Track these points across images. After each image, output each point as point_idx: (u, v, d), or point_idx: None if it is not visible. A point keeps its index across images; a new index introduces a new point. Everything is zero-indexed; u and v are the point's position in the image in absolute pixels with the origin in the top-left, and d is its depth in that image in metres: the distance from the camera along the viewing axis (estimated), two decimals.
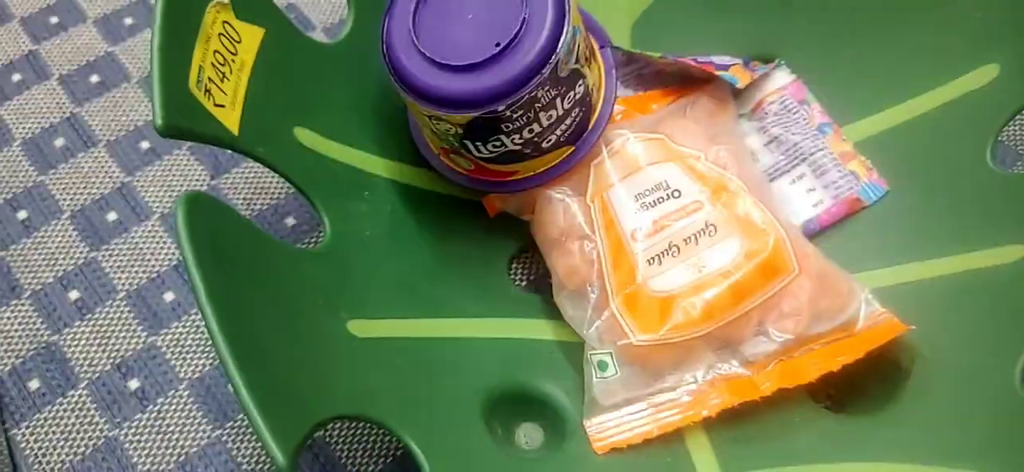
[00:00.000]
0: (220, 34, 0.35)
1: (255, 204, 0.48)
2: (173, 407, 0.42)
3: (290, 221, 0.47)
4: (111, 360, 0.43)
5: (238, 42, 0.37)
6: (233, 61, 0.36)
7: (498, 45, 0.37)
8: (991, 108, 0.40)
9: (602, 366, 0.39)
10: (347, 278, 0.39)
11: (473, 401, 0.38)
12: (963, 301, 0.38)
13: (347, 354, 0.36)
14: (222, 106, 0.35)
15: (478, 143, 0.39)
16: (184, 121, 0.33)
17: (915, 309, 0.39)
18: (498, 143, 0.38)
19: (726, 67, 0.44)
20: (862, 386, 0.39)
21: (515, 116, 0.37)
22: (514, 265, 0.45)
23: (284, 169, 0.38)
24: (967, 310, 0.38)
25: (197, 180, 0.49)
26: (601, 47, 0.42)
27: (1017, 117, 0.47)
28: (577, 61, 0.38)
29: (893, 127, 0.43)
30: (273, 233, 0.47)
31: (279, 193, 0.48)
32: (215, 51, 0.35)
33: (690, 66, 0.44)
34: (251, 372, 0.28)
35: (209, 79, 0.34)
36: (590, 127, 0.41)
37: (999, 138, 0.47)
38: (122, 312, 0.44)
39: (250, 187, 0.48)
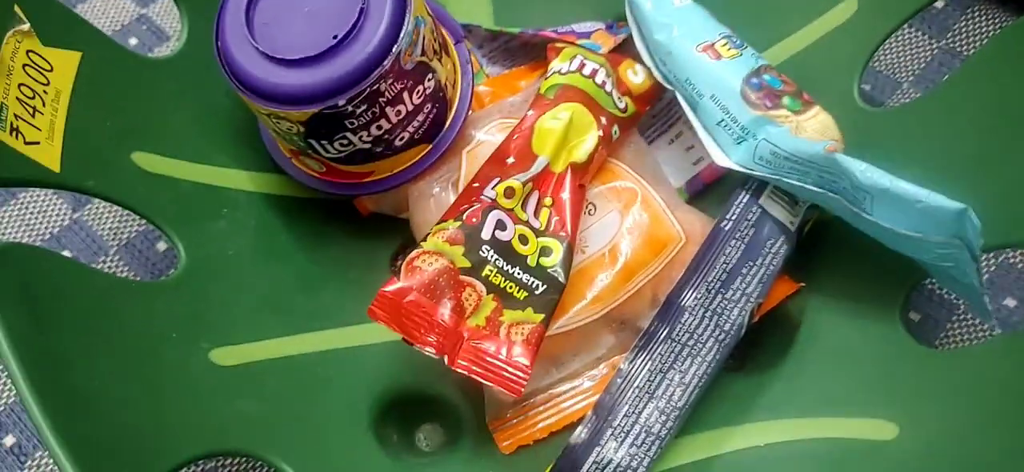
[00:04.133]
0: (25, 65, 0.32)
1: (122, 233, 0.45)
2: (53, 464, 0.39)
3: (161, 245, 0.45)
4: None
5: (49, 71, 0.34)
6: (45, 92, 0.33)
7: (335, 37, 0.34)
8: (853, 44, 0.39)
9: None
10: (207, 305, 0.36)
11: (360, 412, 0.37)
12: (845, 243, 0.37)
13: (209, 387, 0.34)
14: (35, 143, 0.32)
15: (323, 142, 0.36)
16: None
17: (800, 256, 0.38)
18: (345, 141, 0.36)
19: (588, 34, 0.42)
20: (758, 341, 0.38)
21: (358, 111, 0.35)
22: (398, 261, 0.43)
23: (122, 199, 0.36)
24: (850, 252, 0.37)
25: (58, 216, 0.46)
26: (456, 42, 0.40)
27: (893, 47, 0.46)
28: (423, 53, 0.36)
29: None
30: (145, 260, 0.44)
31: None
32: (20, 84, 0.32)
33: (551, 38, 0.42)
34: (70, 433, 0.26)
35: (15, 116, 0.32)
36: (447, 125, 0.39)
37: (876, 68, 0.46)
38: None
39: (116, 216, 0.46)
